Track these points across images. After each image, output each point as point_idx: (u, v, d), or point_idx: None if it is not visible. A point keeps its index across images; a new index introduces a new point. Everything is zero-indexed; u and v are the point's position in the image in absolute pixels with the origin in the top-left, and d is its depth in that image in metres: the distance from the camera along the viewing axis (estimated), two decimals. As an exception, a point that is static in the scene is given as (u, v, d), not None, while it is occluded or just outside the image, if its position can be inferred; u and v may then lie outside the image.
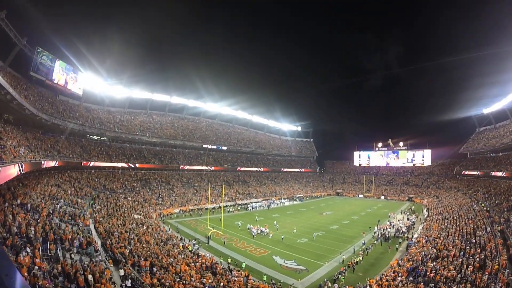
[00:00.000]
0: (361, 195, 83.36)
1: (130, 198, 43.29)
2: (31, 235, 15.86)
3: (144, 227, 29.50)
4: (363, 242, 31.99)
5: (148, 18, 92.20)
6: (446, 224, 33.14)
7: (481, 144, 71.47)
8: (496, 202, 39.17)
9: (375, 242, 32.72)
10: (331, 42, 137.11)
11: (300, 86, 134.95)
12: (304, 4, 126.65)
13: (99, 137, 55.22)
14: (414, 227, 40.24)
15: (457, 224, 31.95)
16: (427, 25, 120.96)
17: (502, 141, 61.84)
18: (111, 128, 56.21)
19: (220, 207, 48.91)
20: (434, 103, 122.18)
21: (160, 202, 47.75)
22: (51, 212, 22.21)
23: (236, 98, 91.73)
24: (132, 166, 55.04)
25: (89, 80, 54.44)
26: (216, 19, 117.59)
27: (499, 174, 54.07)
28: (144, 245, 22.83)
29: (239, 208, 55.53)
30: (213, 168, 72.16)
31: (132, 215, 34.74)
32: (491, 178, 57.56)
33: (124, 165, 53.68)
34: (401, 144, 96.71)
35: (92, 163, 47.06)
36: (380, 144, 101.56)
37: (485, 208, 38.06)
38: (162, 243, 25.19)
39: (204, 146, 75.37)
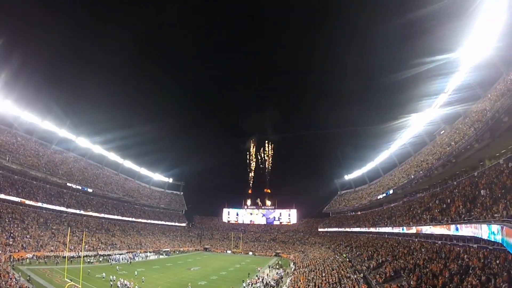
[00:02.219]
0: (229, 251, 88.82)
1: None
2: None
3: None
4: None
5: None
6: (312, 276, 35.12)
7: (342, 205, 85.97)
8: (357, 253, 43.93)
9: (244, 296, 33.67)
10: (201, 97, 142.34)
11: (169, 136, 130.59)
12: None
13: None
14: (282, 280, 41.82)
15: (323, 275, 34.05)
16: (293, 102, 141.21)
17: (361, 202, 72.52)
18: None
19: (79, 256, 45.34)
20: (301, 170, 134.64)
21: (11, 242, 40.80)
22: None
23: (110, 135, 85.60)
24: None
25: None
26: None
27: (358, 229, 60.60)
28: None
29: (100, 259, 51.99)
30: (75, 211, 65.31)
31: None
32: (351, 233, 65.41)
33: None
34: (269, 203, 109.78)
35: None
36: (249, 202, 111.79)
37: (347, 259, 42.47)
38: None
39: (69, 184, 67.54)
